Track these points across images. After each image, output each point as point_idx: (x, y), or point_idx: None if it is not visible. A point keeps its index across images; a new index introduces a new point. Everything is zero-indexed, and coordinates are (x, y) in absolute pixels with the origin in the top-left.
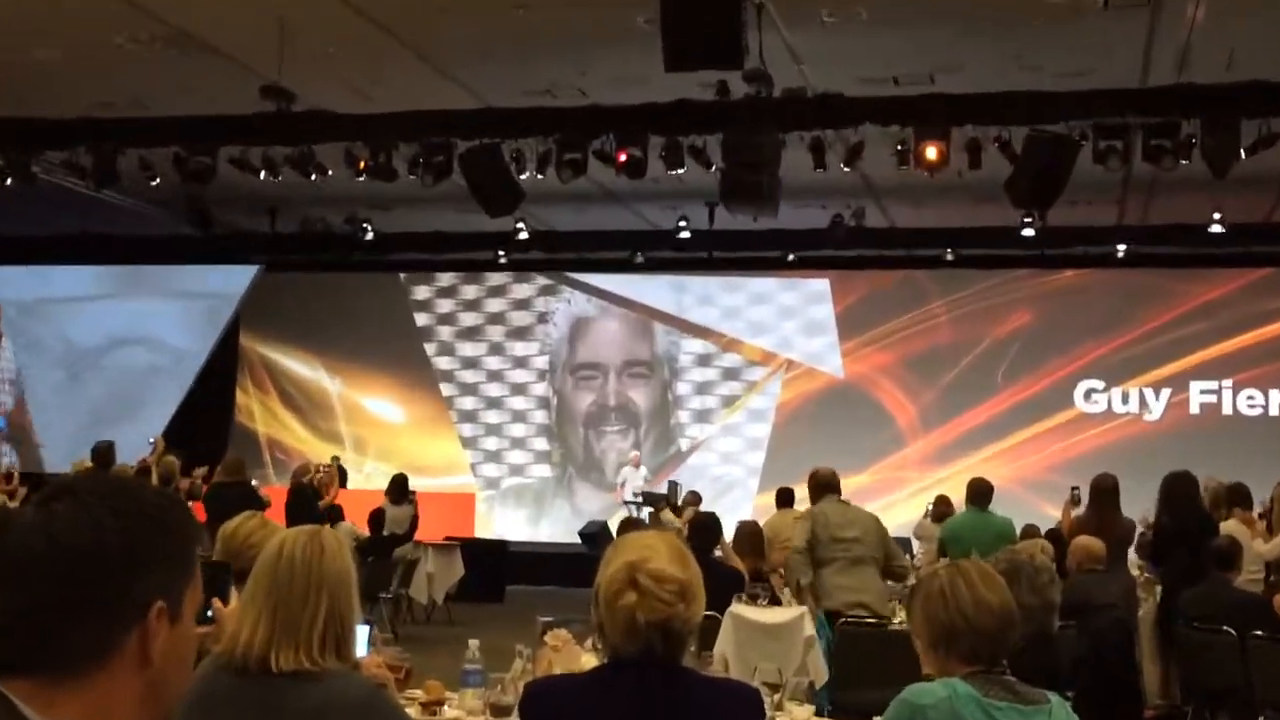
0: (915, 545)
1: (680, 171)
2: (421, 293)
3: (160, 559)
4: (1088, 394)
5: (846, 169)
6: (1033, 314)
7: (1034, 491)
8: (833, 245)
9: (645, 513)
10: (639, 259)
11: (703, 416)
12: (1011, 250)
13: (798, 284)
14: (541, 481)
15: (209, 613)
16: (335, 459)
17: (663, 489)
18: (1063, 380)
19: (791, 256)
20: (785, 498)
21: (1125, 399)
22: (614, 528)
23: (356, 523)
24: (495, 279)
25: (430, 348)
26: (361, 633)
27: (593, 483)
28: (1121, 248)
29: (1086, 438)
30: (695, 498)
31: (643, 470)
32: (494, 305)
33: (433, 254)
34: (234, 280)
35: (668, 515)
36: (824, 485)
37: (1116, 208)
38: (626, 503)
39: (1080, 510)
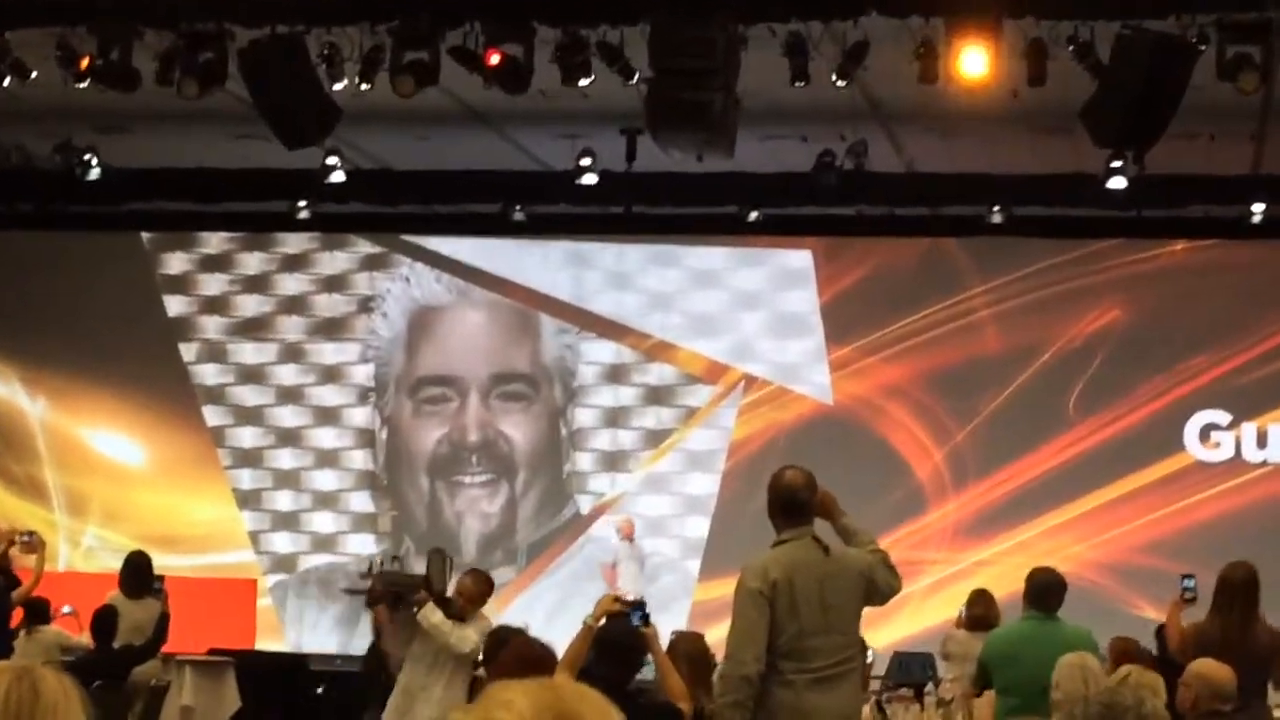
0: (941, 667)
1: (584, 83)
2: (175, 263)
3: None
4: (1205, 432)
5: (841, 83)
6: (1123, 308)
7: (1124, 582)
8: (819, 199)
9: (640, 619)
10: (518, 215)
11: (614, 462)
12: (1091, 210)
13: (764, 257)
14: (361, 562)
15: None
16: (32, 534)
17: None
18: (1167, 411)
19: (755, 215)
20: None
21: (1262, 441)
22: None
23: (69, 627)
24: (293, 243)
25: (188, 350)
26: None
27: None
28: (1258, 208)
29: (1204, 500)
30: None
31: (637, 547)
32: (290, 284)
33: (195, 203)
34: None
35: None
36: (790, 504)
37: (1251, 148)
38: (627, 609)
39: (1196, 615)
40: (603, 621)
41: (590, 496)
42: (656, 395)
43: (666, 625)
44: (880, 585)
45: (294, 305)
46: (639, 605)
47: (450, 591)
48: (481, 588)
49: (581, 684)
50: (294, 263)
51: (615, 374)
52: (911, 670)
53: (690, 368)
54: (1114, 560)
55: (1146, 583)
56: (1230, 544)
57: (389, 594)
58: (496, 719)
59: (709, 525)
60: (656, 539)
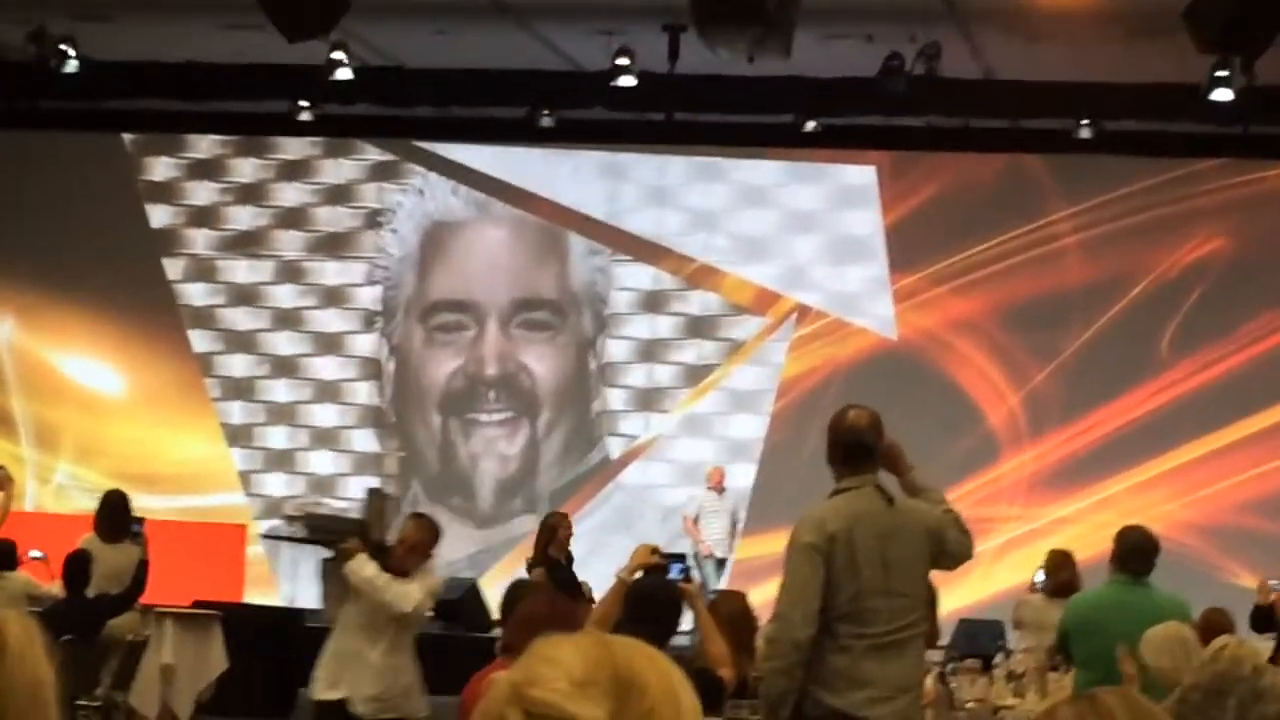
0: (1012, 637)
1: None
2: (161, 169)
3: None
4: None
5: None
6: (1225, 237)
7: (1221, 546)
8: (885, 107)
9: (680, 573)
10: (546, 121)
11: (649, 401)
12: (1193, 125)
13: (822, 173)
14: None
15: None
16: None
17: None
18: (1273, 354)
19: (812, 125)
20: None
21: None
22: (492, 592)
23: (38, 573)
24: (292, 149)
25: (174, 267)
26: None
27: (455, 509)
28: None
29: None
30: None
31: (728, 499)
32: (289, 195)
33: (182, 102)
34: None
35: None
36: (852, 448)
37: None
38: (666, 562)
39: None
40: (638, 575)
41: (622, 439)
42: (698, 326)
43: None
44: (950, 547)
45: (293, 218)
46: (679, 558)
47: (392, 540)
48: (425, 535)
49: (633, 638)
50: (293, 170)
51: (652, 302)
52: (979, 639)
53: (736, 296)
54: (1210, 521)
55: (1246, 546)
56: None
57: (316, 542)
58: (541, 676)
59: (755, 473)
60: (694, 488)
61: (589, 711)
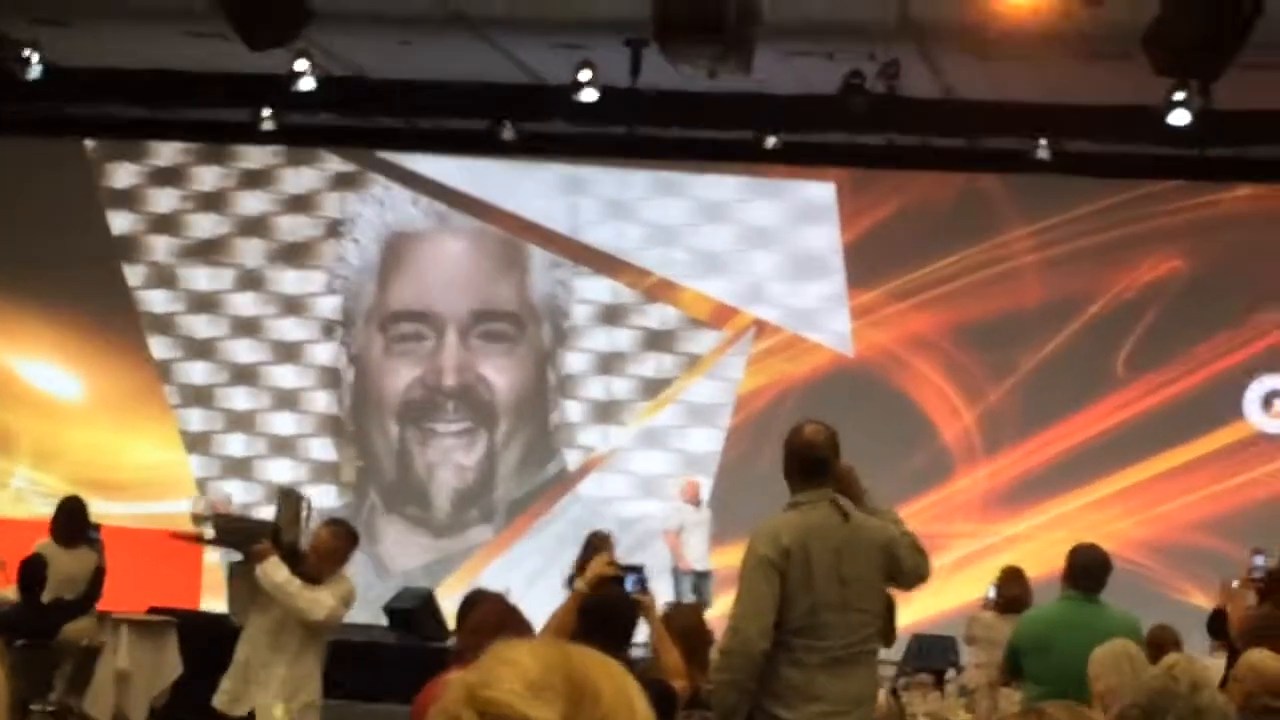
0: (966, 653)
1: None
2: (122, 176)
3: None
4: (1269, 399)
5: None
6: (1182, 258)
7: (1172, 565)
8: (845, 125)
9: (636, 585)
10: (508, 133)
11: (607, 414)
12: (1150, 147)
13: (782, 189)
14: (323, 516)
15: None
16: None
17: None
18: (1228, 375)
19: (773, 141)
20: None
21: None
22: (448, 602)
23: None
24: (254, 157)
25: (134, 274)
26: None
27: (411, 519)
28: None
29: (1266, 474)
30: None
31: (704, 511)
32: (249, 203)
33: (145, 109)
34: None
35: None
36: (809, 463)
37: None
38: (622, 574)
39: (1255, 601)
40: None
41: (579, 451)
42: (656, 340)
43: (659, 598)
44: (905, 565)
45: (253, 227)
46: (636, 570)
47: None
48: (340, 543)
49: (589, 647)
50: (255, 179)
51: (611, 315)
52: (932, 655)
53: (695, 310)
54: (1162, 539)
55: (1197, 566)
56: None
57: (226, 544)
58: (497, 677)
59: (711, 487)
60: (648, 501)
61: (542, 713)
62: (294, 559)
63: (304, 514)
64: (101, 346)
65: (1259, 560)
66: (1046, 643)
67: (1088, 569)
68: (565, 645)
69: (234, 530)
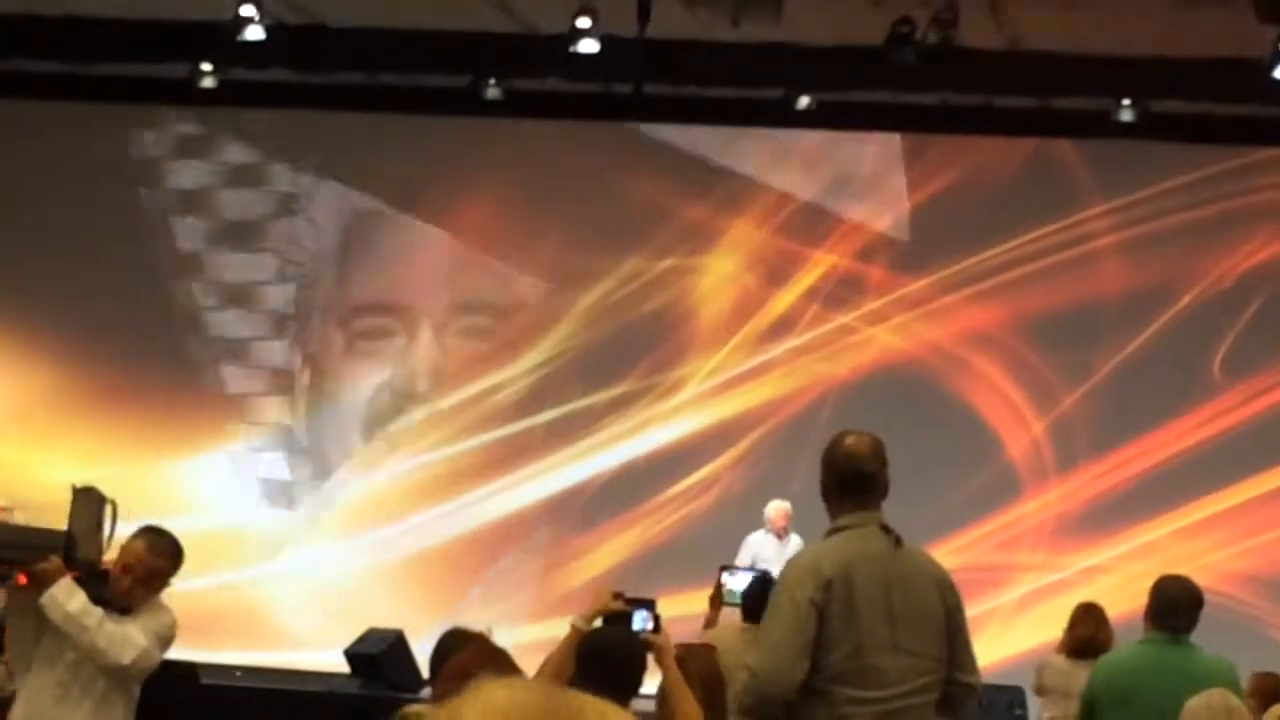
0: (1035, 705)
1: None
2: (43, 143)
3: None
4: None
5: None
6: None
7: (1278, 601)
8: (892, 82)
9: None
10: (493, 92)
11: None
12: (1253, 107)
13: (817, 157)
14: (268, 540)
15: None
16: None
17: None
18: None
19: (805, 101)
20: (761, 598)
21: None
22: (420, 645)
23: None
24: (190, 123)
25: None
26: None
27: None
28: None
29: None
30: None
31: (791, 543)
32: (188, 176)
33: (65, 64)
34: None
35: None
36: (851, 480)
37: None
38: (629, 610)
39: None
40: (597, 624)
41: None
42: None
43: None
44: (955, 631)
45: (196, 202)
46: (648, 604)
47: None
48: (160, 561)
49: (592, 696)
50: (191, 146)
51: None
52: (996, 710)
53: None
54: (1264, 572)
55: None
56: None
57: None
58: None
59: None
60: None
61: None
62: (94, 580)
63: (108, 522)
64: (8, 345)
65: None
66: (1127, 693)
67: (1174, 605)
68: (554, 687)
69: (8, 544)
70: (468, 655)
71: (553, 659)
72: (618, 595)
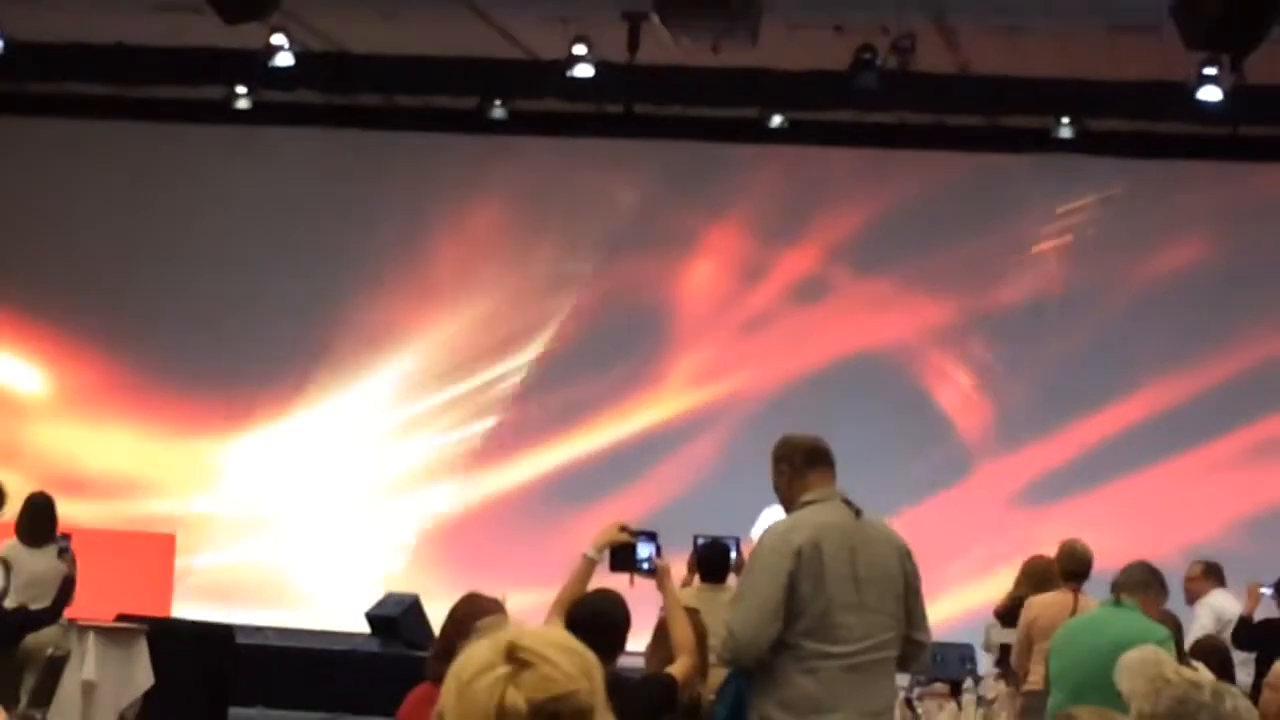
0: (983, 659)
1: None
2: (89, 158)
3: None
4: None
5: None
6: (1212, 242)
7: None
8: (856, 102)
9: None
10: (498, 112)
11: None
12: (1179, 125)
13: (790, 168)
14: (296, 514)
15: None
16: None
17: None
18: (1265, 365)
19: (778, 119)
20: (716, 561)
21: None
22: (431, 608)
23: None
24: (227, 137)
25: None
26: None
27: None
28: None
29: None
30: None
31: None
32: (222, 189)
33: (111, 85)
34: None
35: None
36: (814, 454)
37: None
38: (634, 539)
39: None
40: (605, 554)
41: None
42: None
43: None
44: (912, 594)
45: (226, 205)
46: (650, 535)
47: None
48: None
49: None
50: (228, 158)
51: None
52: (948, 663)
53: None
54: (1193, 539)
55: (1237, 569)
56: None
57: None
58: (527, 633)
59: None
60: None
61: (568, 666)
62: None
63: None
64: (66, 339)
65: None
66: (1070, 652)
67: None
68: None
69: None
70: (480, 601)
71: (564, 588)
72: (624, 528)
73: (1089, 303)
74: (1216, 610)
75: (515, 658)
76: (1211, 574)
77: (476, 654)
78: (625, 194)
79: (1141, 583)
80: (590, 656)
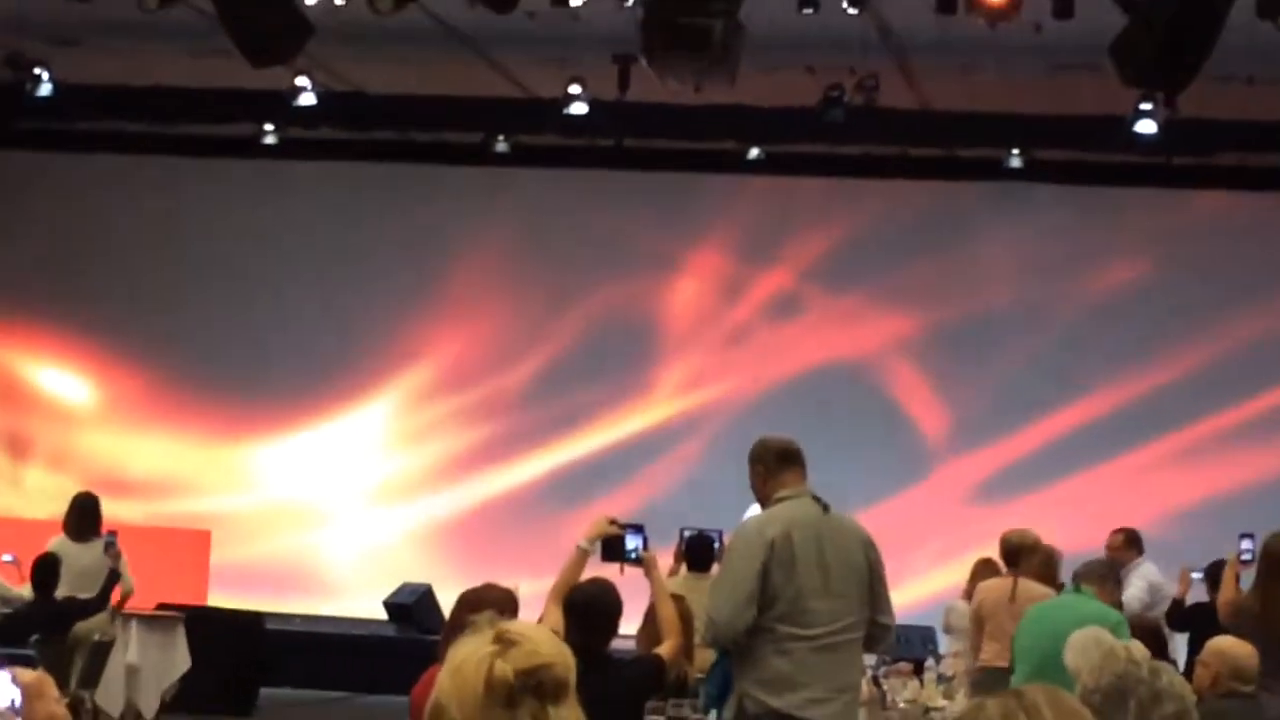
0: (943, 642)
1: (576, 4)
2: (131, 189)
3: None
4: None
5: (852, 10)
6: (1149, 262)
7: (1154, 552)
8: (826, 136)
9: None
10: (501, 146)
11: None
12: (1118, 155)
13: (766, 196)
14: (321, 511)
15: None
16: None
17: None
18: (1201, 373)
19: (756, 152)
20: (701, 551)
21: None
22: (443, 596)
23: (9, 576)
24: (258, 170)
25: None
26: None
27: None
28: None
29: (1239, 464)
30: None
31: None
32: (252, 217)
33: (152, 125)
34: None
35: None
36: (787, 453)
37: None
38: (622, 532)
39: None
40: (598, 545)
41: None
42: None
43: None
44: (876, 581)
45: (252, 234)
46: (638, 528)
47: None
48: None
49: (574, 640)
50: (258, 192)
51: None
52: (911, 643)
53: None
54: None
55: (1171, 555)
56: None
57: None
58: (516, 623)
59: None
60: None
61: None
62: None
63: None
64: (111, 354)
65: (1246, 544)
66: (1024, 634)
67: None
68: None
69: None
70: (489, 589)
71: (562, 577)
72: (612, 521)
73: (1038, 317)
74: (1148, 576)
75: (502, 639)
76: (1133, 544)
77: (467, 642)
78: (616, 219)
79: (1100, 576)
80: (567, 649)
